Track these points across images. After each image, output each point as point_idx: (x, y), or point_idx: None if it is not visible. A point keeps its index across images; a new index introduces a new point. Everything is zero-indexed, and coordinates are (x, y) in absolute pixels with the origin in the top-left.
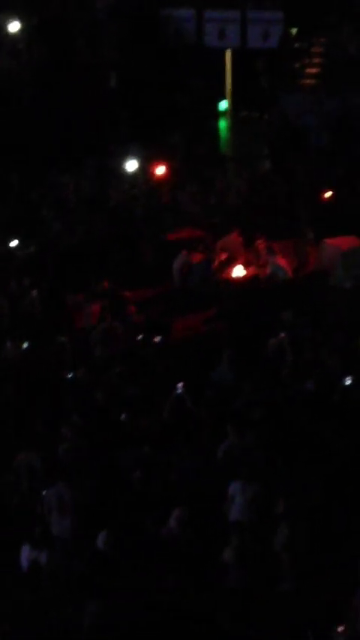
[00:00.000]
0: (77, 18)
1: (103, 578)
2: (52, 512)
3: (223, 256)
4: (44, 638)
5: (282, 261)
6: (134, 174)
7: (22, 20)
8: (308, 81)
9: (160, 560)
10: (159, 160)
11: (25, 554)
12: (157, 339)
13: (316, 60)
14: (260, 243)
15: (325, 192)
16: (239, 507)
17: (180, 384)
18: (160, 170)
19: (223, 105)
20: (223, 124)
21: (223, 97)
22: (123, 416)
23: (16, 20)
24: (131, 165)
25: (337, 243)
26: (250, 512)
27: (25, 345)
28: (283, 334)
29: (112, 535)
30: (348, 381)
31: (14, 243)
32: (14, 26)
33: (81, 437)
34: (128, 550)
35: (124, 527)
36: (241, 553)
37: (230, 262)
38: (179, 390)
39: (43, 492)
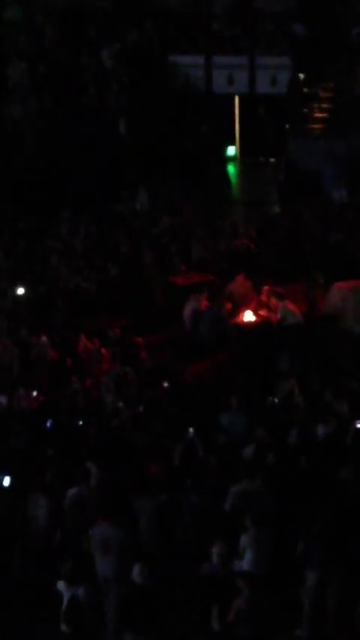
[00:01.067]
0: (85, 65)
1: (140, 610)
2: (97, 550)
3: (232, 301)
4: None
5: (291, 306)
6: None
7: (30, 68)
8: (316, 125)
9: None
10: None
11: (63, 589)
12: (166, 384)
13: (324, 105)
14: (269, 288)
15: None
16: (253, 557)
17: (191, 430)
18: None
19: (232, 150)
20: (231, 169)
21: (232, 143)
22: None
23: (24, 67)
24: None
25: (348, 287)
26: (265, 561)
27: (35, 393)
28: (293, 379)
29: (145, 567)
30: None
31: (21, 290)
32: (22, 74)
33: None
34: (164, 582)
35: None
36: (254, 603)
37: (239, 307)
38: (190, 435)
39: (90, 530)
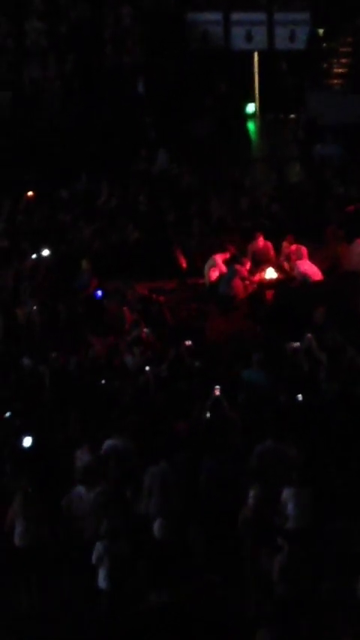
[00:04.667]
0: (104, 23)
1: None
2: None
3: (254, 259)
4: None
5: (309, 266)
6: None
7: (48, 27)
8: (336, 81)
9: None
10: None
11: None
12: (189, 342)
13: (344, 60)
14: (288, 246)
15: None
16: (295, 513)
17: (217, 387)
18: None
19: (251, 107)
20: (251, 126)
21: (251, 100)
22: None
23: (41, 27)
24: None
25: None
26: (305, 518)
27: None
28: (309, 335)
29: (167, 522)
30: None
31: (46, 251)
32: (39, 33)
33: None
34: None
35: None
36: (295, 560)
37: (260, 265)
38: (216, 393)
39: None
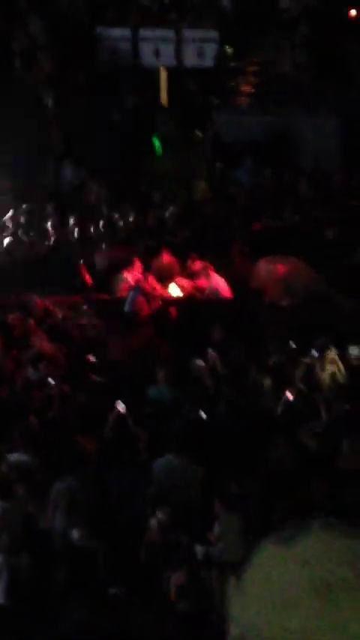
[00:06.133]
0: (15, 37)
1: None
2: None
3: (159, 276)
4: None
5: (217, 281)
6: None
7: None
8: (243, 100)
9: None
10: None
11: None
12: (92, 357)
13: (251, 79)
14: (194, 263)
15: (256, 224)
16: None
17: (120, 402)
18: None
19: (157, 124)
20: (157, 142)
21: (159, 116)
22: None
23: None
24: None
25: (275, 263)
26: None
27: None
28: (213, 353)
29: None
30: (287, 397)
31: None
32: None
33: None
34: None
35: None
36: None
37: (165, 281)
38: (120, 409)
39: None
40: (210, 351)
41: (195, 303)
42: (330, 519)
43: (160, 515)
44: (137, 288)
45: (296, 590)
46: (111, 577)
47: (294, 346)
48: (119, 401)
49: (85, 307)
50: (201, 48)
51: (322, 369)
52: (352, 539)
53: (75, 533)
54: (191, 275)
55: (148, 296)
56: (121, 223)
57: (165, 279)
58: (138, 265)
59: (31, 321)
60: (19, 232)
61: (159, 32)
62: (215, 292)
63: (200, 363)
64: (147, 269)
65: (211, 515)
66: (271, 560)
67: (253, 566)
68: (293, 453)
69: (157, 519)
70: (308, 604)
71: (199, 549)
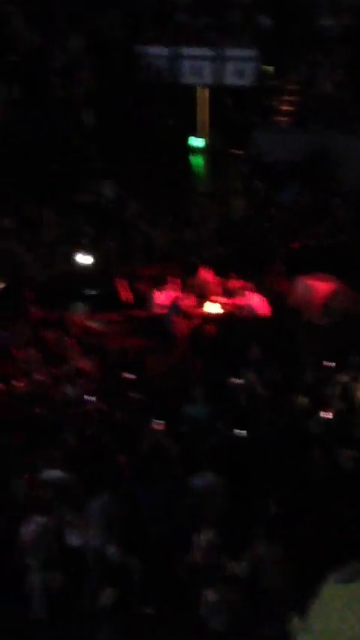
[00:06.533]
0: (52, 53)
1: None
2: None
3: (197, 293)
4: None
5: (255, 300)
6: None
7: None
8: (282, 118)
9: None
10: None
11: None
12: (130, 375)
13: (291, 98)
14: (233, 281)
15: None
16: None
17: (157, 420)
18: None
19: (199, 142)
20: (198, 160)
21: (199, 135)
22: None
23: None
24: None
25: (313, 282)
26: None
27: None
28: (250, 371)
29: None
30: (325, 415)
31: None
32: None
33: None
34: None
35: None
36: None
37: (203, 299)
38: (157, 426)
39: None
40: (247, 369)
41: (232, 321)
42: None
43: (204, 536)
44: (175, 305)
45: None
46: (145, 594)
47: (331, 365)
48: (158, 420)
49: (123, 324)
50: (241, 66)
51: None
52: None
53: (110, 550)
54: (229, 293)
55: (186, 314)
56: (159, 240)
57: (203, 296)
58: (176, 282)
59: (69, 338)
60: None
61: (199, 50)
62: (253, 311)
63: (237, 381)
64: (185, 286)
65: (247, 535)
66: (337, 599)
67: (320, 604)
68: (331, 474)
69: (201, 540)
70: None
71: (234, 569)
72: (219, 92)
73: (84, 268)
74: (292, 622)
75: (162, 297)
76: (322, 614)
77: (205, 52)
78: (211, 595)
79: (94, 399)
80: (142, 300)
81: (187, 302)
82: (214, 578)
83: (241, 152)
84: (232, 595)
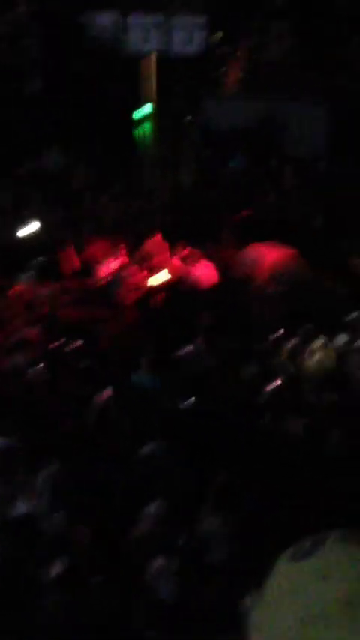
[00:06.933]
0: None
1: None
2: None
3: (148, 262)
4: None
5: (203, 268)
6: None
7: None
8: (232, 86)
9: None
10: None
11: None
12: (79, 343)
13: (240, 65)
14: (183, 249)
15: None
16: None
17: (107, 391)
18: None
19: (147, 109)
20: (147, 128)
21: (147, 102)
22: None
23: None
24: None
25: (262, 250)
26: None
27: None
28: (200, 339)
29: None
30: (273, 385)
31: None
32: None
33: None
34: None
35: None
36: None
37: (152, 268)
38: (106, 395)
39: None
40: (196, 338)
41: (181, 290)
42: (346, 530)
43: (153, 508)
44: (121, 274)
45: (321, 605)
46: (94, 564)
47: (281, 334)
48: (106, 388)
49: (71, 293)
50: (190, 34)
51: (310, 356)
52: None
53: (58, 519)
54: (179, 262)
55: (134, 282)
56: (108, 208)
57: (152, 265)
58: (124, 251)
59: (16, 307)
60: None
61: (148, 18)
62: (202, 280)
63: (186, 350)
64: (134, 255)
65: (196, 506)
66: (293, 574)
67: (276, 579)
68: (282, 443)
69: (149, 512)
70: (335, 619)
71: (181, 540)
72: (167, 60)
73: (31, 237)
74: (244, 599)
75: (110, 266)
76: (281, 590)
77: (152, 19)
78: (157, 565)
79: (41, 367)
80: (91, 270)
81: (135, 271)
82: (162, 549)
83: (190, 120)
84: (181, 566)
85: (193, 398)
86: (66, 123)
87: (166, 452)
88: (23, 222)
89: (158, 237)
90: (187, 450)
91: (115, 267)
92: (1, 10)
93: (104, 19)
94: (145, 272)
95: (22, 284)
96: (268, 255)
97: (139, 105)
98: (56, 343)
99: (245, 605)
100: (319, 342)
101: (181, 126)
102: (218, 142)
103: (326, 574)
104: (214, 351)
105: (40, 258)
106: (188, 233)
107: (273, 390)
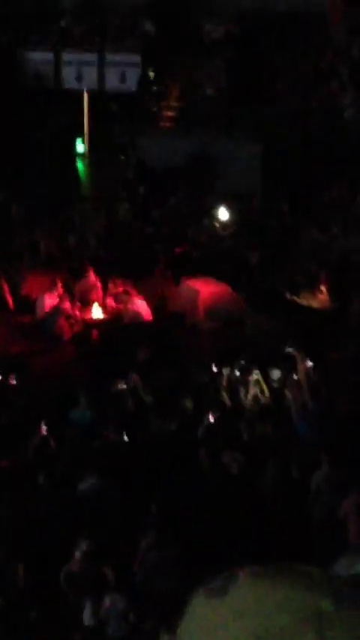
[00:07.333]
0: None
1: None
2: None
3: (81, 297)
4: None
5: (138, 304)
6: None
7: None
8: (165, 123)
9: None
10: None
11: None
12: (12, 379)
13: (173, 102)
14: (116, 285)
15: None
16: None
17: (43, 424)
18: None
19: (80, 147)
20: (79, 165)
21: (81, 139)
22: None
23: None
24: None
25: (196, 286)
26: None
27: None
28: (135, 375)
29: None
30: (210, 419)
31: None
32: None
33: None
34: None
35: None
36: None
37: (88, 304)
38: (43, 431)
39: None
40: (132, 373)
41: (117, 325)
42: (255, 567)
43: (83, 546)
44: (58, 309)
45: None
46: (28, 600)
47: (215, 369)
48: (42, 423)
49: (5, 329)
50: (123, 72)
51: (246, 391)
52: (287, 588)
53: None
54: (113, 297)
55: (70, 318)
56: (44, 244)
57: (87, 300)
58: (60, 287)
59: None
60: None
61: (81, 56)
62: (136, 315)
63: (122, 385)
64: (69, 290)
65: (132, 540)
66: (207, 613)
67: (189, 619)
68: (216, 477)
69: (80, 550)
70: None
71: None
72: (102, 97)
73: None
74: (161, 637)
75: (47, 302)
76: (195, 629)
77: (88, 57)
78: (92, 604)
79: None
80: (27, 304)
81: (70, 306)
82: (95, 586)
83: (124, 157)
84: (119, 603)
85: (128, 433)
86: (2, 159)
87: (102, 488)
88: None
89: (91, 274)
90: (124, 485)
91: (53, 302)
92: None
93: (38, 56)
94: (81, 307)
95: None
96: (202, 291)
97: (73, 141)
98: None
99: None
100: (253, 377)
101: (116, 162)
102: (152, 178)
103: (241, 612)
104: (149, 386)
105: None
106: (123, 268)
107: (208, 424)
